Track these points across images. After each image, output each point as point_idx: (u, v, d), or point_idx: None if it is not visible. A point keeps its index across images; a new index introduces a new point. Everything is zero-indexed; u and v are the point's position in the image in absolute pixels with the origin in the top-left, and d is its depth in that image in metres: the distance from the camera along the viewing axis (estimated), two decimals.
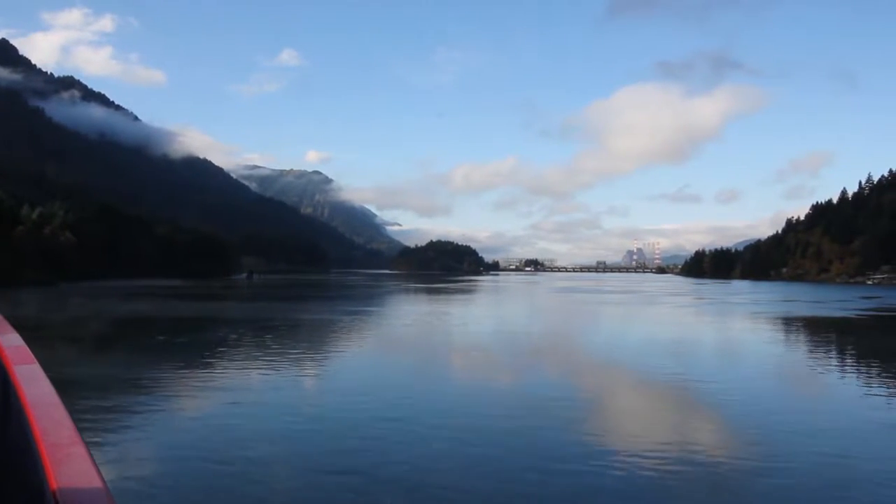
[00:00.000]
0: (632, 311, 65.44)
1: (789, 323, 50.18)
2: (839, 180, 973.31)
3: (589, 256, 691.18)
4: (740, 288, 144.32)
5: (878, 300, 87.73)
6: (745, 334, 41.53)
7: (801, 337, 40.11)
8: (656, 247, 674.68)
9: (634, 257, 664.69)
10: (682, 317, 58.76)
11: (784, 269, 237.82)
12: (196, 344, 31.77)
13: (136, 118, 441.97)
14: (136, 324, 44.26)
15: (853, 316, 58.80)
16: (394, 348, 31.46)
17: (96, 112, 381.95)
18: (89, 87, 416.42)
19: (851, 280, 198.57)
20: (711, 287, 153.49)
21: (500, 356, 28.37)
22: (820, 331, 45.44)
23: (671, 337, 39.68)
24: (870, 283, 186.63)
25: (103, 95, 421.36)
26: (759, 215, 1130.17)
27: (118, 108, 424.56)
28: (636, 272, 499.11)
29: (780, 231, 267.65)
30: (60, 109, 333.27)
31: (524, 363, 26.70)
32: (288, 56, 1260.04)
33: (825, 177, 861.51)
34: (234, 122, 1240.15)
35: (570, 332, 44.19)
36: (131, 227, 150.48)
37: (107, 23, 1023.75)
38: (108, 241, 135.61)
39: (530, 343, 35.61)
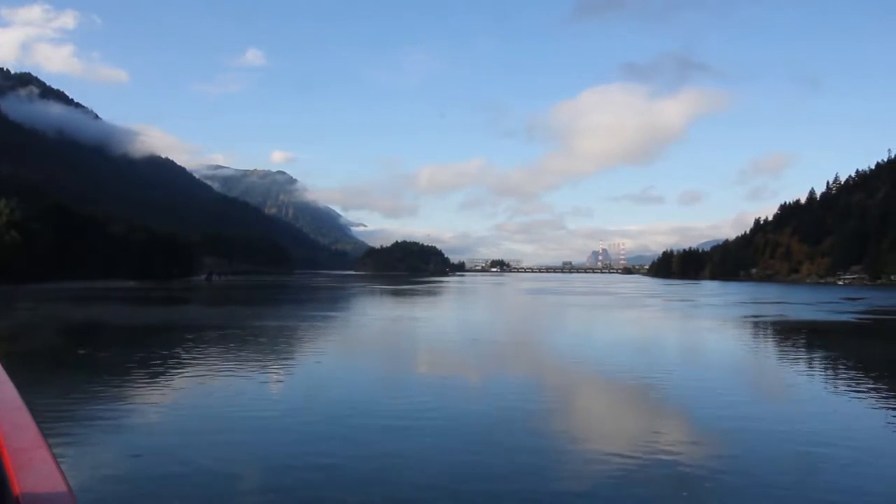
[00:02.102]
0: (616, 317, 60.70)
1: (795, 330, 45.80)
2: (801, 182, 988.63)
3: (554, 257, 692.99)
4: (714, 289, 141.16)
5: (864, 301, 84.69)
6: (757, 346, 36.71)
7: (822, 348, 35.39)
8: (621, 247, 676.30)
9: (600, 258, 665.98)
10: (673, 322, 54.25)
11: (754, 270, 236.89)
12: (122, 359, 26.65)
13: (96, 116, 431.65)
14: (62, 333, 38.78)
15: (854, 320, 54.94)
16: (358, 366, 26.18)
17: (55, 110, 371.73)
18: (48, 84, 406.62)
19: (822, 280, 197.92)
20: (684, 288, 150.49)
21: (484, 376, 23.54)
22: (833, 339, 41.10)
23: (674, 347, 35.41)
24: (840, 283, 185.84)
25: (62, 93, 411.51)
26: (721, 216, 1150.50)
27: (78, 105, 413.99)
28: (602, 273, 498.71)
29: (748, 231, 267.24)
30: (17, 106, 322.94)
31: (513, 386, 21.93)
32: (253, 56, 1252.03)
33: (787, 178, 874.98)
34: (198, 122, 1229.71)
35: (557, 342, 39.16)
36: (84, 226, 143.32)
37: (68, 20, 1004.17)
38: (58, 240, 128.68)
39: (516, 357, 30.86)
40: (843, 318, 56.37)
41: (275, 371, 24.02)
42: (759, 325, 48.99)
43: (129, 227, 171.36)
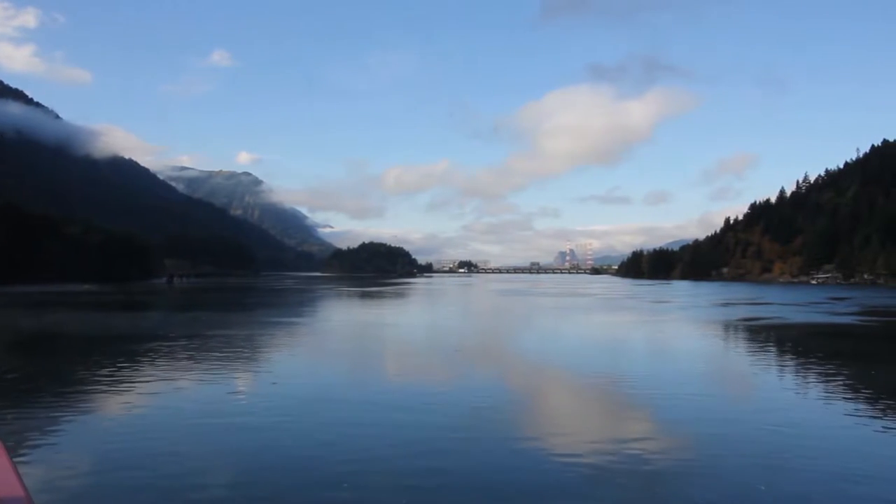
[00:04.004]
0: (604, 321, 56.57)
1: (809, 335, 42.14)
2: (764, 182, 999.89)
3: (521, 258, 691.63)
4: (690, 289, 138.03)
5: (851, 301, 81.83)
6: (786, 359, 31.67)
7: (848, 359, 31.34)
8: (588, 248, 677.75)
9: (567, 258, 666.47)
10: (669, 327, 49.81)
11: (725, 270, 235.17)
12: (26, 381, 22.05)
13: (57, 116, 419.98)
14: None
15: (857, 322, 51.38)
16: (322, 392, 21.41)
17: (13, 109, 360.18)
18: (7, 83, 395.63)
19: (795, 280, 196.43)
20: (659, 288, 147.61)
21: (481, 406, 19.21)
22: (852, 346, 37.09)
23: (691, 360, 31.45)
24: (814, 282, 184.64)
25: (22, 93, 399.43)
26: (687, 216, 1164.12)
27: (38, 105, 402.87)
28: (570, 273, 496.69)
29: (718, 231, 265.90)
30: None
31: (521, 422, 17.72)
32: (219, 57, 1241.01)
33: (751, 178, 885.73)
34: (163, 123, 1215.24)
35: (554, 354, 34.63)
36: (37, 227, 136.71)
37: (29, 18, 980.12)
38: (9, 242, 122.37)
39: (514, 376, 26.62)
40: (845, 320, 52.77)
41: (216, 398, 19.48)
42: (763, 330, 44.66)
43: (86, 228, 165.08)
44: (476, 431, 15.29)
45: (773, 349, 34.31)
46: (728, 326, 47.38)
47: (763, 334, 41.77)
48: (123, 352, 29.82)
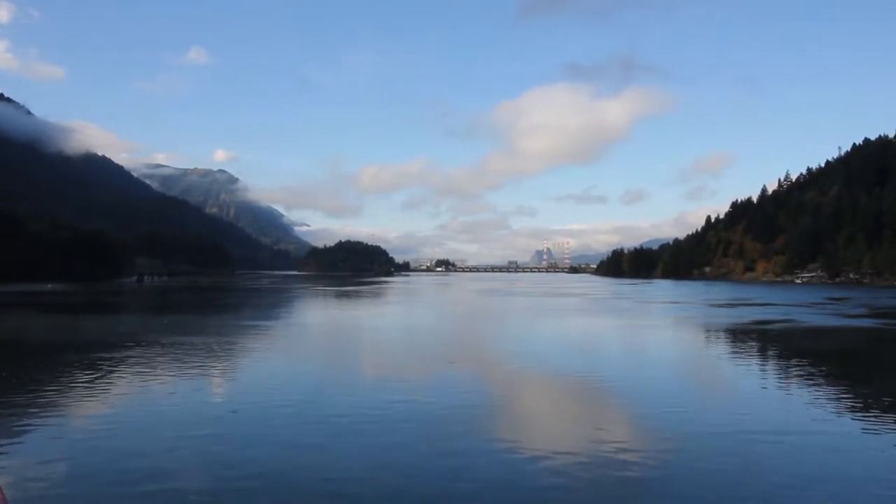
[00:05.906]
0: (606, 325, 52.41)
1: (862, 340, 38.72)
2: (739, 182, 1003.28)
3: (498, 257, 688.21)
4: (676, 289, 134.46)
5: (853, 301, 78.66)
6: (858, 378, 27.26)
7: None
8: (566, 247, 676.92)
9: (545, 257, 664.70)
10: (680, 333, 45.89)
11: (707, 269, 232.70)
12: None
13: (28, 112, 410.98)
14: None
15: (880, 326, 47.77)
16: (289, 427, 17.07)
17: None
18: None
19: (778, 279, 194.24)
20: (644, 287, 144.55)
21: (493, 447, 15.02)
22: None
23: (734, 378, 27.50)
24: (798, 281, 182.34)
25: None
26: (663, 216, 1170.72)
27: (9, 100, 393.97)
28: (548, 272, 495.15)
29: (698, 230, 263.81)
30: None
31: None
32: (196, 54, 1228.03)
33: (726, 178, 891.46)
34: (139, 121, 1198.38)
35: (567, 366, 30.52)
36: (0, 224, 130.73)
37: (3, 13, 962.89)
38: None
39: (533, 400, 22.51)
40: (863, 323, 49.20)
41: (160, 432, 15.14)
42: (789, 334, 40.76)
43: (52, 225, 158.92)
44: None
45: (838, 364, 29.74)
46: (749, 333, 42.31)
47: (799, 341, 37.58)
48: (58, 366, 25.37)
